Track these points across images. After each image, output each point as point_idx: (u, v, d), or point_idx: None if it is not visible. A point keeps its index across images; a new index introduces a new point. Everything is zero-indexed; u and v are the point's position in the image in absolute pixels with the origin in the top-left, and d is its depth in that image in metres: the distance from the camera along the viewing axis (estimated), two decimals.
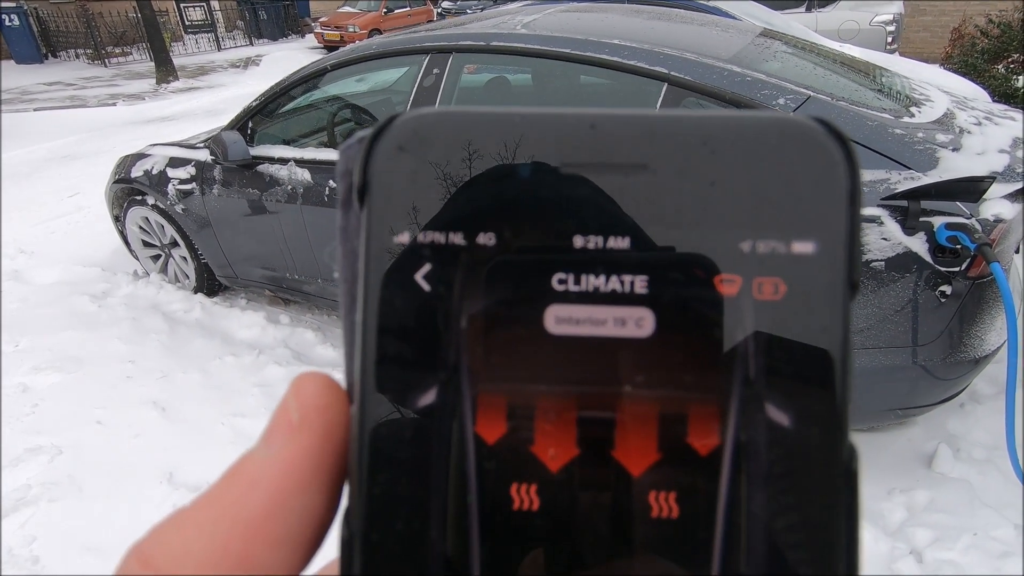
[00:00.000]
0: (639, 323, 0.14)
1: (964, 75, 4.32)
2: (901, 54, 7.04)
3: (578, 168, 0.15)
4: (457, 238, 0.15)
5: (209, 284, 3.40)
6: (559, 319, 0.15)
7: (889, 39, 7.48)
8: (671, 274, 0.14)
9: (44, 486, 2.13)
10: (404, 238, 0.15)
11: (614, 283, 0.15)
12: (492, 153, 0.15)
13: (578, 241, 0.15)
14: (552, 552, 0.15)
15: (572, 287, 0.15)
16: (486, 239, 0.15)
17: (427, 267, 0.15)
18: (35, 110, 9.64)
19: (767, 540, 0.14)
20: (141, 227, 3.47)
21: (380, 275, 0.15)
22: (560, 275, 0.15)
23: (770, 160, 0.15)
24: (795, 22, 5.41)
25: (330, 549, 0.19)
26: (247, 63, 13.53)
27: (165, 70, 11.67)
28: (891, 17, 7.52)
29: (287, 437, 0.16)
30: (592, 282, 0.15)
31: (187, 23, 17.32)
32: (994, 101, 3.45)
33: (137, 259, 3.65)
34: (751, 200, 0.15)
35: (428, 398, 0.15)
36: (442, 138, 0.15)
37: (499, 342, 0.15)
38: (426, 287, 0.15)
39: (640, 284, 0.14)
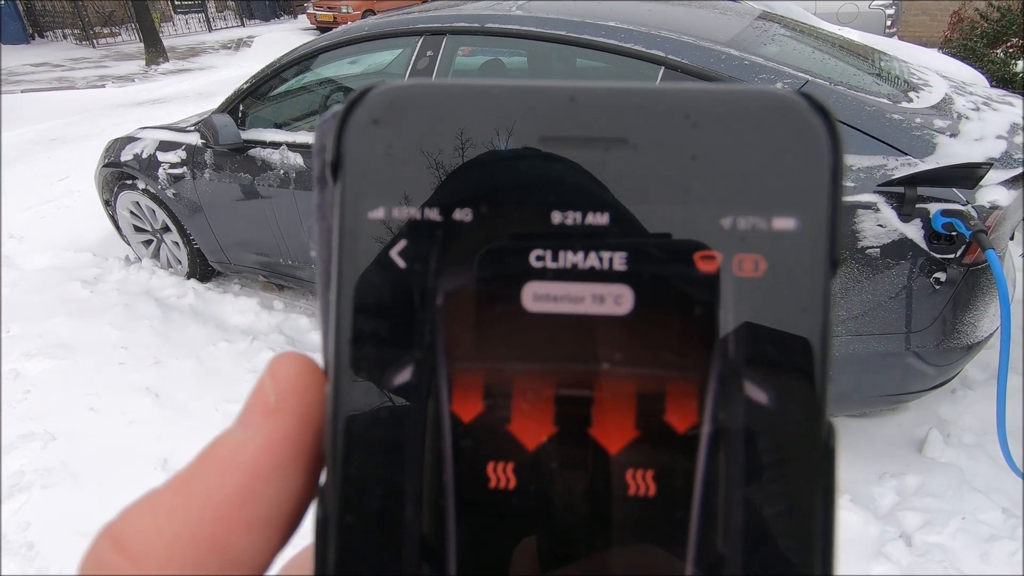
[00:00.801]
0: (618, 300, 0.14)
1: (963, 59, 4.29)
2: (900, 38, 6.99)
3: (557, 142, 0.15)
4: (433, 214, 0.15)
5: (202, 270, 3.37)
6: (537, 296, 0.14)
7: (888, 22, 7.42)
8: (650, 251, 0.14)
9: (38, 472, 2.12)
10: (379, 214, 0.15)
11: (592, 260, 0.14)
12: (469, 127, 0.15)
13: (556, 217, 0.14)
14: (530, 531, 0.14)
15: (550, 264, 0.14)
16: (462, 215, 0.15)
17: (402, 243, 0.15)
18: (22, 92, 9.47)
19: (745, 518, 0.14)
20: (132, 212, 3.43)
21: (354, 252, 0.15)
22: (538, 252, 0.14)
23: (752, 134, 0.14)
24: (794, 5, 5.35)
25: (306, 533, 0.18)
26: (239, 44, 13.32)
27: (155, 51, 11.47)
28: (890, 0, 7.45)
29: (263, 419, 0.16)
30: (570, 259, 0.14)
31: (177, 3, 17.00)
32: (992, 86, 3.43)
33: (129, 244, 3.62)
34: (732, 175, 0.14)
35: (403, 376, 0.14)
36: (418, 111, 0.15)
37: (476, 320, 0.14)
38: (401, 264, 0.15)
39: (619, 261, 0.14)
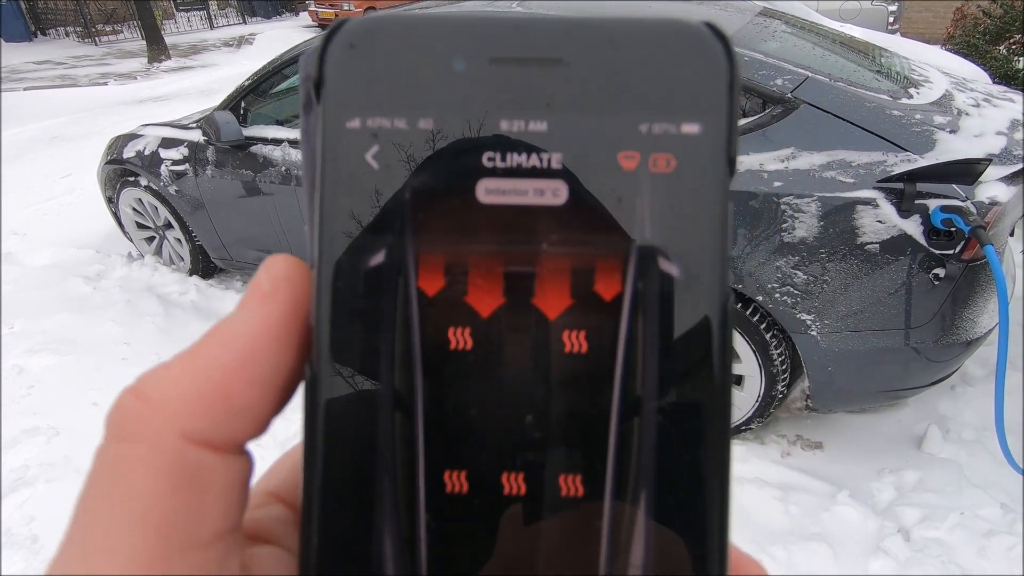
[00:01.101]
0: (555, 193, 0.17)
1: (965, 56, 4.28)
2: (902, 34, 6.96)
3: (504, 62, 0.18)
4: (401, 123, 0.17)
5: (204, 266, 3.38)
6: (488, 190, 0.17)
7: (891, 19, 7.40)
8: (582, 151, 0.17)
9: (41, 467, 2.14)
10: (355, 124, 0.17)
11: (534, 160, 0.17)
12: (432, 49, 0.18)
13: (504, 125, 0.17)
14: (484, 384, 0.17)
15: (499, 163, 0.17)
16: (426, 124, 0.17)
17: (375, 148, 0.17)
18: (24, 89, 9.49)
19: (659, 367, 0.17)
20: (134, 208, 3.44)
21: (335, 156, 0.17)
22: (489, 153, 0.17)
23: (663, 55, 0.18)
24: (796, 2, 5.34)
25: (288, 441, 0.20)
26: (240, 42, 13.32)
27: (157, 49, 11.48)
28: None
29: (259, 304, 0.18)
30: (516, 159, 0.17)
31: (179, 1, 16.99)
32: (994, 83, 3.42)
33: (131, 241, 3.63)
34: (648, 88, 0.17)
35: (377, 259, 0.17)
36: (388, 36, 0.18)
37: (438, 211, 0.17)
38: (375, 165, 0.17)
39: (555, 160, 0.17)
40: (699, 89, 0.17)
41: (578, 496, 0.17)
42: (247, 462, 0.18)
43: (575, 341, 0.17)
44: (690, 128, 0.17)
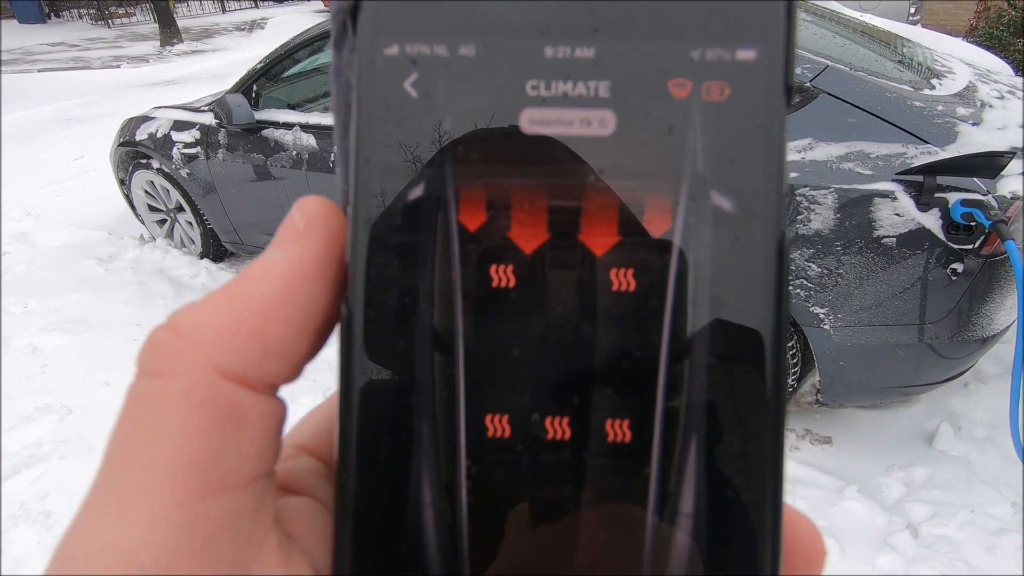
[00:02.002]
0: (602, 123, 0.16)
1: (988, 48, 4.18)
2: (924, 25, 6.82)
3: None
4: (441, 49, 0.16)
5: (215, 249, 3.40)
6: (533, 120, 0.16)
7: (912, 9, 7.24)
8: (631, 79, 0.16)
9: (55, 444, 2.17)
10: (393, 50, 0.17)
11: (580, 88, 0.16)
12: None
13: (548, 52, 0.16)
14: (527, 323, 0.16)
15: (544, 92, 0.16)
16: (467, 51, 0.16)
17: (414, 75, 0.16)
18: (38, 71, 9.53)
19: (710, 303, 0.16)
20: (146, 191, 3.46)
21: (372, 85, 0.17)
22: (533, 81, 0.16)
23: None
24: None
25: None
26: (252, 26, 13.29)
27: (169, 32, 11.48)
28: None
29: (292, 241, 0.17)
30: (561, 88, 0.16)
31: None
32: (1018, 75, 3.35)
33: (143, 223, 3.65)
34: (700, 13, 0.16)
35: (416, 192, 0.16)
36: None
37: (479, 142, 0.16)
38: (413, 93, 0.16)
39: (603, 89, 0.16)
40: (755, 14, 0.16)
41: (625, 442, 0.16)
42: (281, 406, 0.17)
43: (623, 279, 0.16)
44: (745, 55, 0.16)
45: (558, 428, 0.16)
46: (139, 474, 0.15)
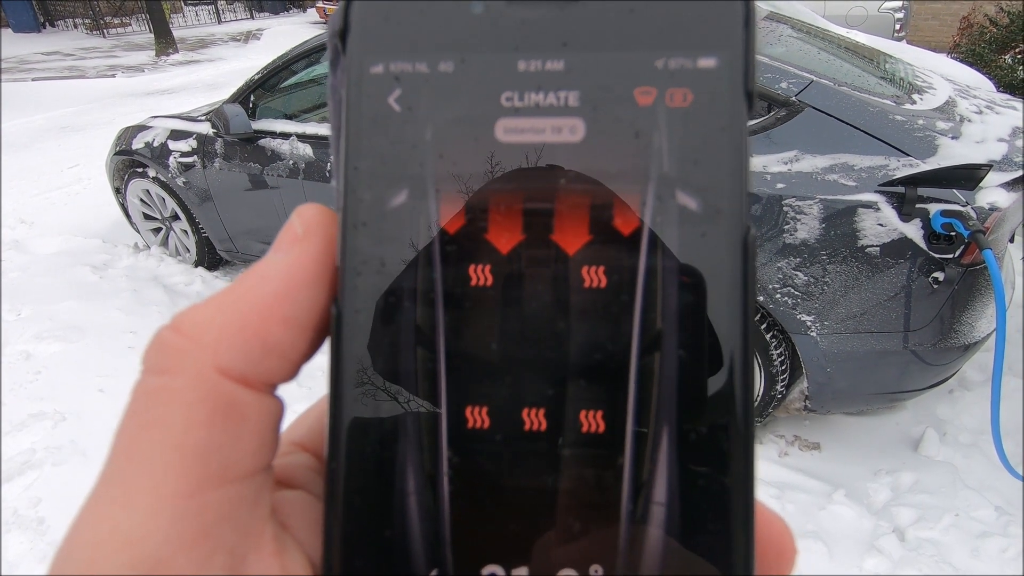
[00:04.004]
0: (572, 130, 0.17)
1: (971, 64, 4.29)
2: (909, 42, 6.97)
3: (521, 1, 0.18)
4: (421, 66, 0.18)
5: (210, 258, 3.41)
6: (507, 130, 0.17)
7: (897, 26, 7.40)
8: (598, 89, 0.17)
9: (48, 450, 2.17)
10: (378, 69, 0.18)
11: (551, 99, 0.17)
12: None
13: (521, 65, 0.18)
14: (504, 319, 0.17)
15: (517, 103, 0.17)
16: (446, 67, 0.18)
17: (397, 91, 0.18)
18: (33, 80, 9.53)
19: (678, 299, 0.17)
20: (142, 199, 3.47)
21: (359, 100, 0.18)
22: (507, 93, 0.18)
23: None
24: (802, 6, 5.35)
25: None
26: (248, 37, 13.35)
27: (164, 42, 11.52)
28: (900, 4, 7.44)
29: (292, 245, 0.18)
30: (533, 98, 0.17)
31: None
32: (999, 91, 3.44)
33: (138, 231, 3.66)
34: (664, 25, 0.17)
35: (399, 199, 0.18)
36: None
37: (458, 150, 0.18)
38: (397, 108, 0.18)
39: (573, 98, 0.17)
40: (715, 23, 0.17)
41: (599, 432, 0.17)
42: (279, 405, 0.18)
43: (594, 276, 0.17)
44: (706, 62, 0.17)
45: (535, 419, 0.17)
46: (144, 465, 0.16)
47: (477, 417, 0.17)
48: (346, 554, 0.17)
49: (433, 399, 0.17)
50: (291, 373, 0.18)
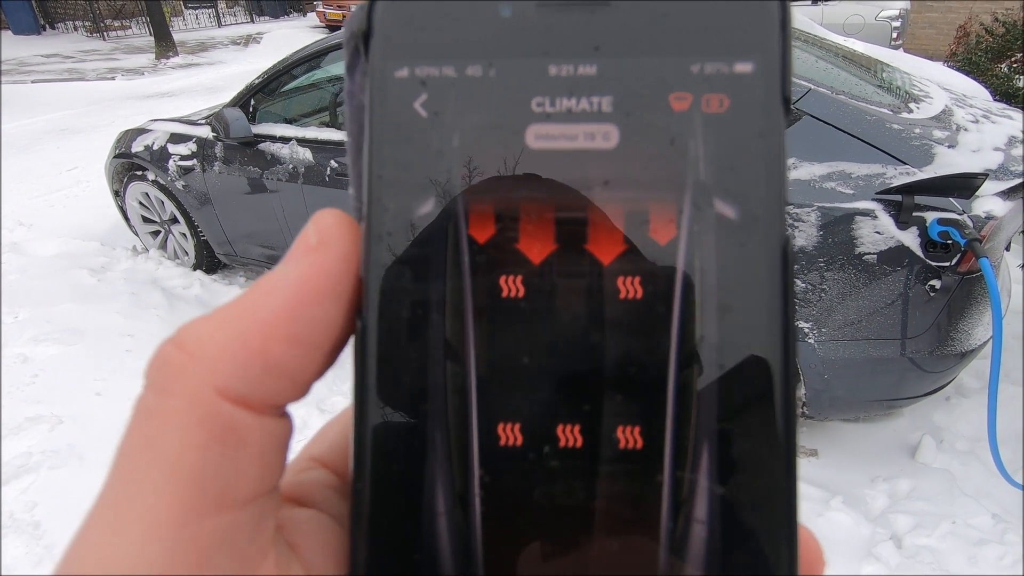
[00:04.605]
0: (606, 136, 0.17)
1: (967, 73, 4.32)
2: (906, 50, 7.01)
3: (552, 5, 0.17)
4: (449, 70, 0.17)
5: (208, 261, 3.41)
6: (538, 136, 0.17)
7: (894, 35, 7.46)
8: (632, 94, 0.17)
9: (45, 454, 2.16)
10: (403, 73, 0.17)
11: (584, 104, 0.17)
12: None
13: (552, 70, 0.17)
14: (536, 332, 0.17)
15: (548, 108, 0.17)
16: (474, 70, 0.17)
17: (423, 96, 0.17)
18: (32, 82, 9.54)
19: (717, 308, 0.16)
20: (141, 202, 3.47)
21: (384, 105, 0.17)
22: (538, 99, 0.17)
23: None
24: (800, 14, 5.38)
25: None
26: (248, 40, 13.38)
27: (164, 45, 11.54)
28: (897, 12, 7.49)
29: (304, 256, 0.17)
30: (565, 104, 0.17)
31: None
32: (995, 100, 3.46)
33: (136, 234, 3.66)
34: (699, 29, 0.17)
35: (427, 207, 0.17)
36: None
37: (487, 157, 0.17)
38: (423, 113, 0.17)
39: (606, 104, 0.17)
40: (751, 27, 0.17)
41: (637, 448, 0.16)
42: (286, 425, 0.17)
43: (630, 287, 0.16)
44: (743, 67, 0.17)
45: (570, 436, 0.16)
46: (138, 490, 0.15)
47: (510, 434, 0.16)
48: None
49: (463, 416, 0.16)
50: (298, 393, 0.17)
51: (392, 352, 0.17)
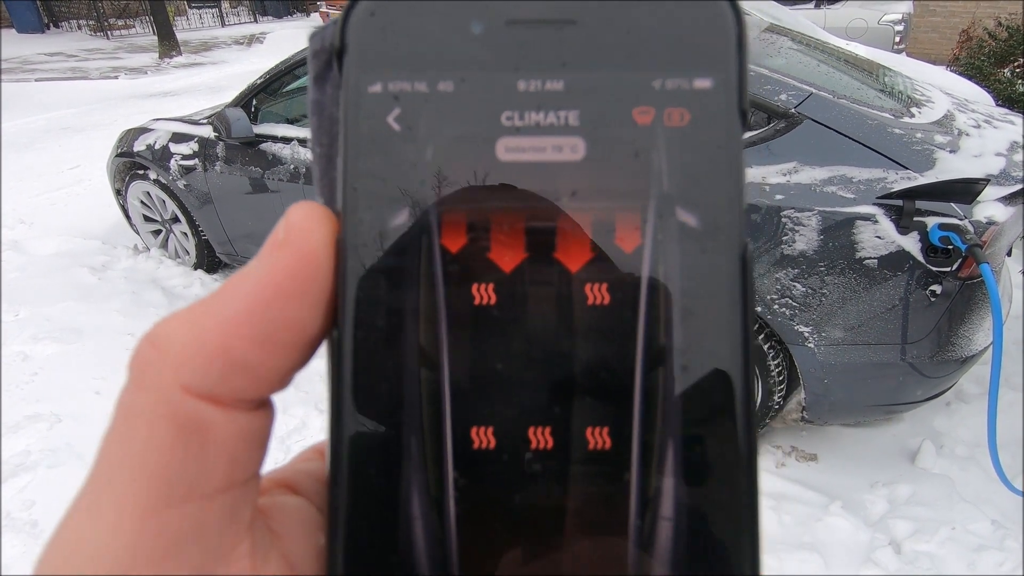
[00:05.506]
0: (573, 149, 0.18)
1: (970, 78, 4.31)
2: (908, 54, 7.01)
3: (521, 23, 0.18)
4: (421, 86, 0.18)
5: (209, 260, 3.41)
6: (508, 149, 0.18)
7: (897, 39, 7.45)
8: (598, 108, 0.18)
9: (43, 452, 2.16)
10: (377, 88, 0.18)
11: (552, 118, 0.18)
12: (450, 13, 0.18)
13: (521, 85, 0.18)
14: (508, 338, 0.17)
15: (518, 122, 0.18)
16: (445, 86, 0.18)
17: (396, 111, 0.18)
18: (36, 80, 9.56)
19: (681, 315, 0.17)
20: (142, 201, 3.48)
21: (357, 120, 0.18)
22: (508, 113, 0.18)
23: (673, 13, 0.18)
24: (803, 18, 5.39)
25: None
26: (251, 40, 13.41)
27: (168, 44, 11.56)
28: (900, 17, 7.49)
29: (270, 253, 0.18)
30: (534, 118, 0.18)
31: None
32: (997, 105, 3.46)
33: (138, 233, 3.66)
34: (661, 46, 0.18)
35: (401, 218, 0.18)
36: (407, 3, 0.18)
37: (459, 169, 0.18)
38: (396, 127, 0.18)
39: (573, 117, 0.18)
40: (709, 45, 0.18)
41: (605, 449, 0.17)
42: (262, 417, 0.18)
43: (597, 293, 0.17)
44: (702, 83, 0.18)
45: (541, 438, 0.17)
46: (108, 481, 0.16)
47: (483, 437, 0.17)
48: None
49: (437, 420, 0.17)
50: (268, 389, 0.17)
51: (367, 360, 0.17)
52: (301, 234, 0.18)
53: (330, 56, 0.19)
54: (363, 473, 0.17)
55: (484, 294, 0.17)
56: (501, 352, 0.17)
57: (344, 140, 0.18)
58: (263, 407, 0.18)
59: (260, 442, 0.18)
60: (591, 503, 0.17)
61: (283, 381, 0.18)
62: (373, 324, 0.17)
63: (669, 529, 0.16)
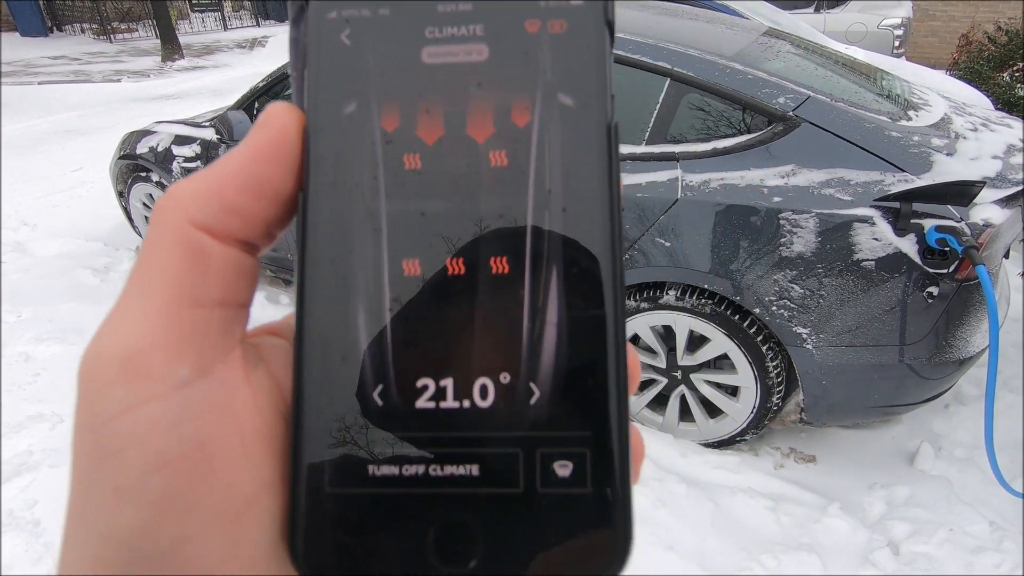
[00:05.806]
0: (480, 53, 0.23)
1: (969, 82, 4.33)
2: (908, 58, 7.03)
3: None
4: (365, 11, 0.23)
5: None
6: (430, 55, 0.23)
7: (896, 43, 7.47)
8: (498, 22, 0.23)
9: (45, 452, 2.17)
10: (334, 15, 0.24)
11: (463, 30, 0.23)
12: None
13: (440, 8, 0.24)
14: (430, 192, 0.23)
15: (437, 35, 0.23)
16: (384, 11, 0.24)
17: (347, 30, 0.23)
18: (39, 83, 9.60)
19: (562, 169, 0.23)
20: (145, 204, 3.50)
21: (319, 40, 0.24)
22: (430, 28, 0.23)
23: None
24: (803, 22, 5.41)
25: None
26: (253, 44, 13.47)
27: (170, 48, 11.61)
28: (899, 21, 7.51)
29: (255, 132, 0.23)
30: (449, 31, 0.23)
31: (193, 2, 17.20)
32: (996, 109, 3.47)
33: (140, 235, 3.68)
34: None
35: (350, 107, 0.23)
36: None
37: (394, 71, 0.23)
38: (347, 42, 0.23)
39: (479, 30, 0.23)
40: None
41: (504, 273, 0.22)
42: (250, 261, 0.23)
43: (498, 157, 0.23)
44: (577, 1, 0.23)
45: (456, 265, 0.22)
46: (138, 289, 0.21)
47: (412, 267, 0.22)
48: (311, 369, 0.22)
49: (378, 253, 0.22)
50: (254, 232, 0.23)
51: (324, 210, 0.23)
52: (277, 117, 0.23)
53: (304, 1, 0.24)
54: (321, 295, 0.22)
55: (413, 161, 0.23)
56: (426, 201, 0.23)
57: (308, 55, 0.23)
58: (251, 253, 0.23)
59: (248, 278, 0.23)
60: (494, 313, 0.22)
61: (267, 232, 0.23)
62: (330, 184, 0.23)
63: (553, 333, 0.22)
